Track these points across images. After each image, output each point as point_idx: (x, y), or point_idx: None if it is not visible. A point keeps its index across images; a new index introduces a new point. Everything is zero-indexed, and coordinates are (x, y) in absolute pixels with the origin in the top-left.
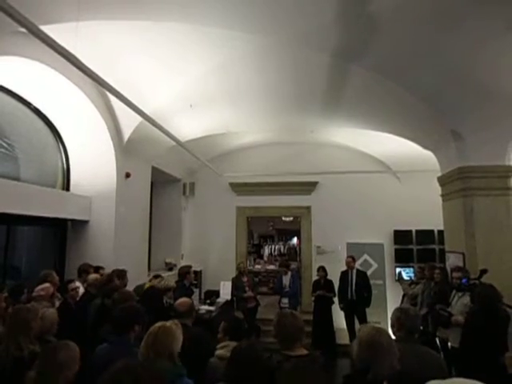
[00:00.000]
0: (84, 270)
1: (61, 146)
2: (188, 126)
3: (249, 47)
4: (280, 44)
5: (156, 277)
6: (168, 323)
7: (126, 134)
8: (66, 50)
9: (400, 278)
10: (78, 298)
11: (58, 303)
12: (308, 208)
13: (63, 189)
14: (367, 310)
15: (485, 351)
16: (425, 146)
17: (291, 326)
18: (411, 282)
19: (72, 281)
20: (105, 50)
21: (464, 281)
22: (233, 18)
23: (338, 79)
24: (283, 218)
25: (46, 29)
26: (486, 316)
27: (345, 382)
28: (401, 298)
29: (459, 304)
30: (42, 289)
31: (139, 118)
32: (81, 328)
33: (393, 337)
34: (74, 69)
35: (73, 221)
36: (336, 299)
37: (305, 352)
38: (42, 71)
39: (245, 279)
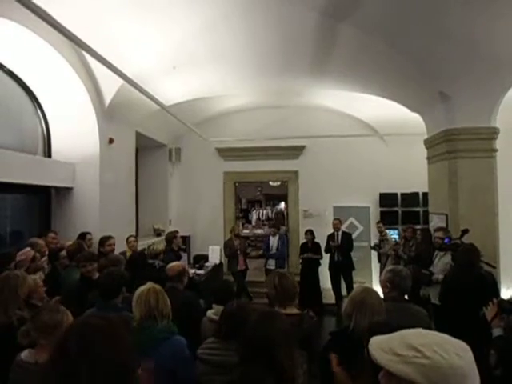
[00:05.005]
0: None
1: (39, 111)
2: (172, 89)
3: (233, 5)
4: (266, 1)
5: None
6: (153, 285)
7: (108, 97)
8: (40, 8)
9: (375, 246)
10: None
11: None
12: (295, 172)
13: (45, 155)
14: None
15: (462, 306)
16: (412, 109)
17: (289, 285)
18: (396, 243)
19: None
20: (83, 9)
21: (446, 240)
22: None
23: (326, 39)
24: (271, 183)
25: None
26: (463, 272)
27: (331, 337)
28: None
29: (440, 263)
30: (23, 253)
31: (120, 81)
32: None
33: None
34: (51, 29)
35: (56, 188)
36: (322, 261)
37: (295, 311)
38: (16, 31)
39: (237, 242)
